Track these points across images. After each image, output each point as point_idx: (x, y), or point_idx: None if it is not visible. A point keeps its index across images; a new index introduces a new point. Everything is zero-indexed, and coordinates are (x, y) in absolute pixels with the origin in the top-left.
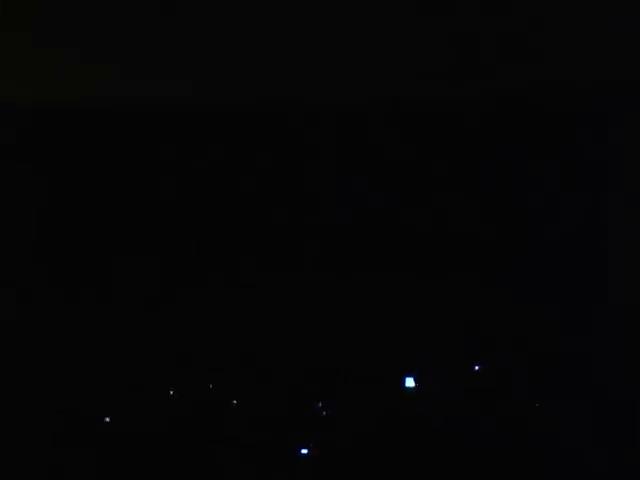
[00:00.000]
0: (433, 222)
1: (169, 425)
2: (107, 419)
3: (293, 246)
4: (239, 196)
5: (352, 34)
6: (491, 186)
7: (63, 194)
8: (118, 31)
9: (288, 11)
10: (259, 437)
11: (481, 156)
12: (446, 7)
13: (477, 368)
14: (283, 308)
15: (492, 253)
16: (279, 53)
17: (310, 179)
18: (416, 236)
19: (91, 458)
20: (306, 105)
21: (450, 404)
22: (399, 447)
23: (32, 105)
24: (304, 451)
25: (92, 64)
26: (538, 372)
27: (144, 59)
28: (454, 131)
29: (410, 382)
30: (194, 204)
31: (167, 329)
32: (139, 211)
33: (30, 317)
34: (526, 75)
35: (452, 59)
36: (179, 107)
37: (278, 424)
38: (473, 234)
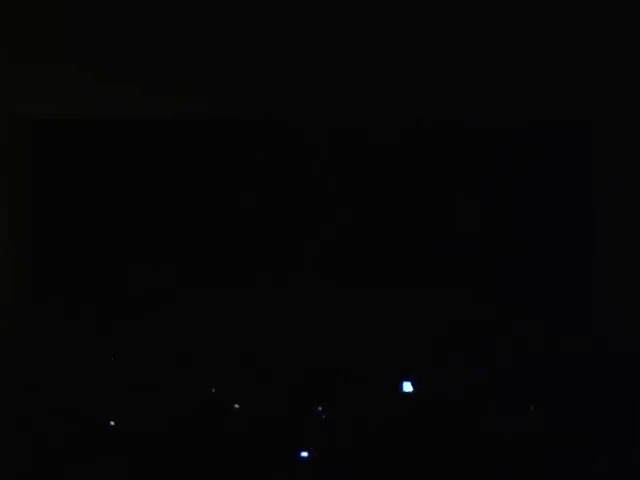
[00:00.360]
0: (427, 231)
1: (171, 428)
2: (112, 422)
3: (294, 252)
4: (242, 201)
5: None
6: (485, 194)
7: (85, 203)
8: (144, 58)
9: (297, 36)
10: (259, 440)
11: (474, 165)
12: (430, 30)
13: (473, 372)
14: (283, 313)
15: (485, 261)
16: (288, 71)
17: (313, 184)
18: (413, 243)
19: (96, 461)
20: (313, 118)
21: (448, 408)
22: (398, 450)
23: (61, 120)
24: (304, 454)
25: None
26: (533, 374)
27: (163, 80)
28: (444, 144)
29: (408, 387)
30: (198, 209)
31: (170, 333)
32: (143, 214)
33: (30, 318)
34: (513, 91)
35: (442, 79)
36: (195, 122)
37: (278, 427)
38: (466, 242)
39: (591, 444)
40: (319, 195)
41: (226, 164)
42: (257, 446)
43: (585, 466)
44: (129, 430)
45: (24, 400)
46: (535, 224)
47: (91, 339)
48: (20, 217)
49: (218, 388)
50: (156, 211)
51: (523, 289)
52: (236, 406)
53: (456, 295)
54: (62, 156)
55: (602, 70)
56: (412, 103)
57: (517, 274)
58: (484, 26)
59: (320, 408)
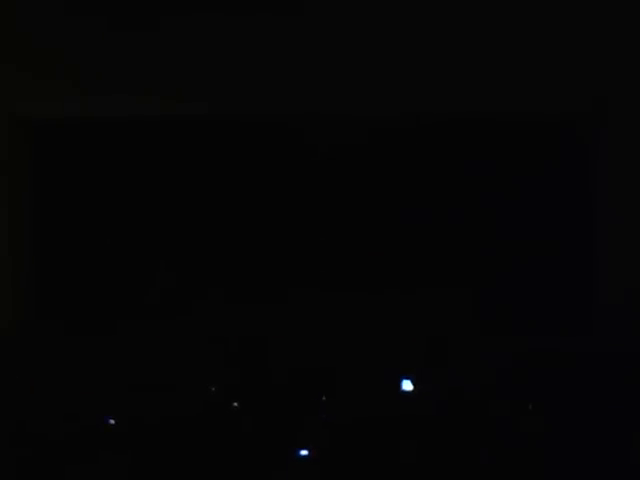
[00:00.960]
0: (427, 232)
1: (171, 427)
2: (111, 421)
3: (294, 253)
4: (242, 201)
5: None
6: (484, 194)
7: (88, 206)
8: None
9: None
10: (259, 438)
11: (474, 166)
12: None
13: (473, 371)
14: (283, 312)
15: (484, 261)
16: (288, 72)
17: (313, 185)
18: (413, 243)
19: (96, 461)
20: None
21: (447, 407)
22: (398, 449)
23: (61, 120)
24: (304, 452)
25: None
26: (533, 374)
27: (164, 80)
28: (444, 144)
29: (408, 385)
30: (198, 210)
31: (169, 332)
32: (143, 215)
33: (30, 319)
34: (512, 91)
35: (442, 79)
36: (196, 122)
37: (278, 426)
38: (465, 243)
39: (591, 444)
40: (319, 196)
41: (226, 164)
42: (256, 445)
43: (585, 466)
44: (129, 430)
45: (24, 400)
46: (535, 224)
47: (91, 339)
48: (20, 217)
49: (218, 387)
50: (156, 211)
51: (522, 289)
52: (235, 405)
53: (456, 295)
54: (62, 156)
55: (602, 70)
56: (412, 103)
57: (517, 274)
58: (483, 26)
59: (320, 406)
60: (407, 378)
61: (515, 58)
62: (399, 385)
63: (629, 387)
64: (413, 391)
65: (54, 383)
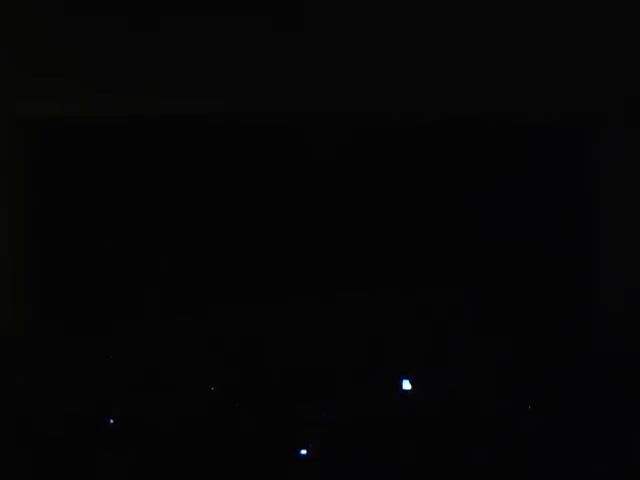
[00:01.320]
0: (426, 232)
1: (170, 427)
2: (111, 420)
3: (294, 254)
4: (242, 202)
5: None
6: (484, 195)
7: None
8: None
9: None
10: (258, 438)
11: (474, 166)
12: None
13: (472, 371)
14: (283, 312)
15: (484, 261)
16: (288, 72)
17: (313, 186)
18: (413, 244)
19: (96, 461)
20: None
21: (447, 406)
22: (397, 449)
23: (61, 120)
24: (304, 452)
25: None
26: (532, 374)
27: (164, 80)
28: (441, 147)
29: (407, 385)
30: (198, 211)
31: (168, 331)
32: (143, 215)
33: (31, 319)
34: (510, 93)
35: (442, 79)
36: (196, 122)
37: (277, 425)
38: (466, 243)
39: (591, 444)
40: (318, 196)
41: (226, 165)
42: (256, 445)
43: (585, 466)
44: (129, 430)
45: (24, 400)
46: (535, 224)
47: (91, 339)
48: (20, 217)
49: (218, 387)
50: (156, 212)
51: (523, 289)
52: (235, 405)
53: (455, 296)
54: (62, 156)
55: (602, 70)
56: (412, 104)
57: (517, 274)
58: (481, 27)
59: (320, 406)
60: (407, 378)
61: (515, 58)
62: (399, 385)
63: (629, 387)
64: (413, 391)
65: (54, 383)
